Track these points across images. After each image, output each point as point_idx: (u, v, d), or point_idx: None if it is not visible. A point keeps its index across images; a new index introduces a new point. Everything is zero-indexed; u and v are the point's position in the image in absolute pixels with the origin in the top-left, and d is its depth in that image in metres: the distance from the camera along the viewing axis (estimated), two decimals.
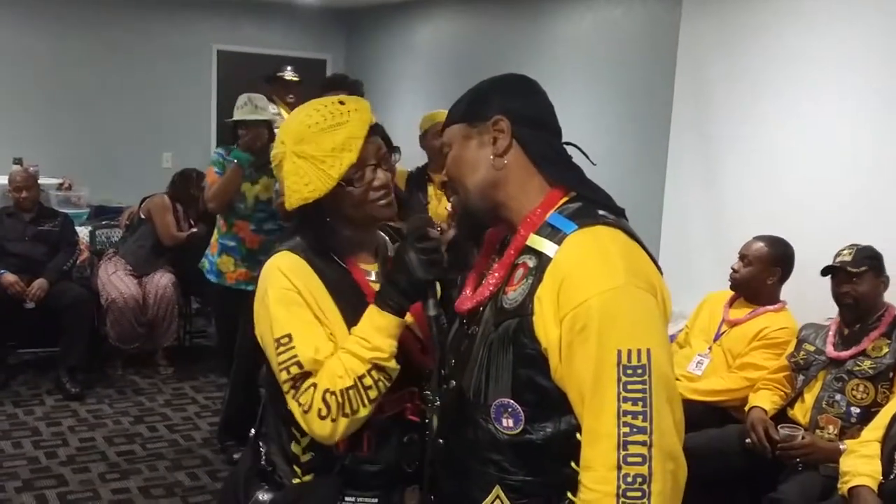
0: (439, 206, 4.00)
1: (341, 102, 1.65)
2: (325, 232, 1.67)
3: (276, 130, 4.08)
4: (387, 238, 1.80)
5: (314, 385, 1.54)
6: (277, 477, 1.69)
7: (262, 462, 1.72)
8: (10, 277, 5.13)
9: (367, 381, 1.54)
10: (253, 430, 1.81)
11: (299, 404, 1.55)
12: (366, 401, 1.54)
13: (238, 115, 4.04)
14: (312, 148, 1.61)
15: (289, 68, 5.16)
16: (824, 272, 3.23)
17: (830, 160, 3.79)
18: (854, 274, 3.14)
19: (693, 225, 4.49)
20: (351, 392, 1.53)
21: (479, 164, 1.51)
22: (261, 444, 1.76)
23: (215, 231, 4.16)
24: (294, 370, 1.54)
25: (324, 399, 1.52)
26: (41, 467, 4.16)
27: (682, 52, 4.55)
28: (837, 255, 3.22)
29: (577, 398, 1.36)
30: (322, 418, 1.52)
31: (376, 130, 1.68)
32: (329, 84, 4.06)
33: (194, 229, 5.71)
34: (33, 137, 7.27)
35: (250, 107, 4.02)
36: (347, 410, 1.52)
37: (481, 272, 1.59)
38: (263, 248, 3.94)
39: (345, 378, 1.53)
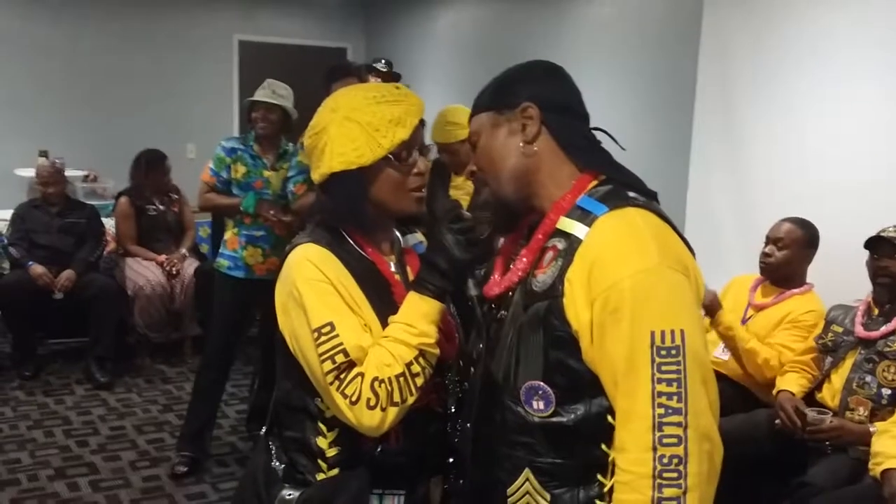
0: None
1: (397, 87, 1.67)
2: (356, 206, 1.63)
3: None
4: (398, 234, 1.79)
5: (361, 375, 1.49)
6: (298, 474, 1.65)
7: (274, 461, 1.70)
8: (38, 269, 5.19)
9: (416, 368, 1.51)
10: (264, 429, 1.78)
11: (345, 396, 1.49)
12: (413, 389, 1.50)
13: (255, 96, 4.05)
14: (368, 116, 1.59)
15: (382, 60, 5.13)
16: (867, 244, 3.19)
17: (857, 142, 3.74)
18: None
19: (718, 209, 4.46)
20: (401, 380, 1.49)
21: (509, 152, 1.51)
22: (271, 442, 1.73)
23: (230, 227, 4.10)
24: (340, 358, 1.49)
25: (372, 388, 1.48)
26: (73, 455, 4.22)
27: (705, 35, 4.51)
28: (882, 231, 3.17)
29: (610, 380, 1.36)
30: (371, 408, 1.48)
31: (423, 125, 1.69)
32: (336, 73, 4.04)
33: (183, 249, 5.79)
34: (58, 130, 7.36)
35: (268, 90, 4.03)
36: (397, 399, 1.49)
37: (508, 257, 1.59)
38: (291, 236, 3.94)
39: (394, 366, 1.49)
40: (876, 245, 3.16)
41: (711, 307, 3.36)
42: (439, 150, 3.96)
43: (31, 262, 5.22)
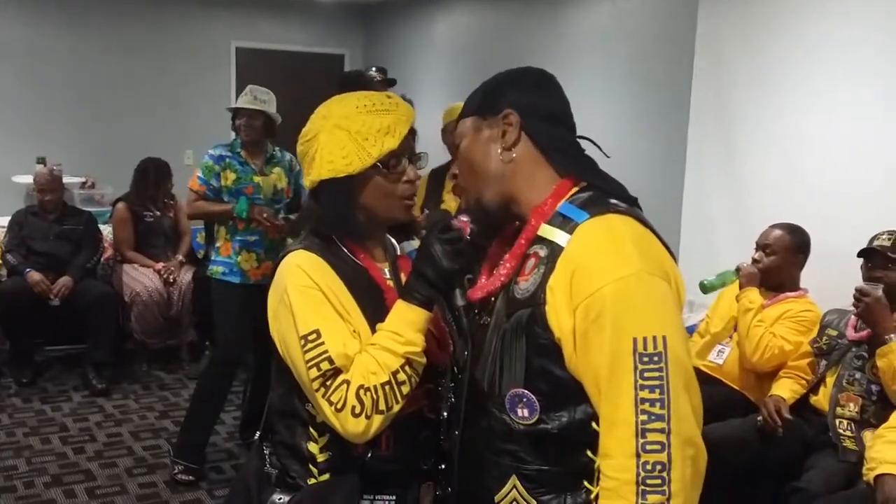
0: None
1: (389, 96, 1.68)
2: (344, 213, 1.65)
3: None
4: (394, 240, 1.80)
5: (346, 382, 1.50)
6: (290, 479, 1.66)
7: (268, 466, 1.71)
8: (35, 276, 5.20)
9: (401, 376, 1.52)
10: (258, 434, 1.80)
11: (330, 402, 1.51)
12: (399, 397, 1.52)
13: (237, 103, 4.08)
14: (358, 125, 1.61)
15: (374, 69, 5.14)
16: (861, 254, 3.19)
17: (852, 147, 3.75)
18: (892, 259, 3.10)
19: (714, 214, 4.47)
20: (386, 388, 1.50)
21: (489, 158, 1.52)
22: (265, 447, 1.74)
23: (222, 234, 4.10)
24: (325, 366, 1.51)
25: (357, 396, 1.49)
26: (69, 462, 4.22)
27: (700, 41, 4.52)
28: (875, 238, 3.17)
29: (593, 387, 1.36)
30: (356, 416, 1.49)
31: (413, 133, 1.70)
32: (347, 82, 4.05)
33: (179, 256, 5.80)
34: (55, 136, 7.38)
35: (250, 97, 4.06)
36: (382, 407, 1.50)
37: (494, 262, 1.59)
38: (284, 240, 3.97)
39: (379, 374, 1.51)
40: (868, 255, 3.17)
41: (749, 280, 3.46)
42: (446, 133, 4.02)
43: (28, 269, 5.22)
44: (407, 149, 1.66)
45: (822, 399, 3.24)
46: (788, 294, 3.52)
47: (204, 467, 4.11)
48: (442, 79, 7.40)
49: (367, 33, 8.77)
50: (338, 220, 1.65)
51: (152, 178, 5.74)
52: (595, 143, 1.57)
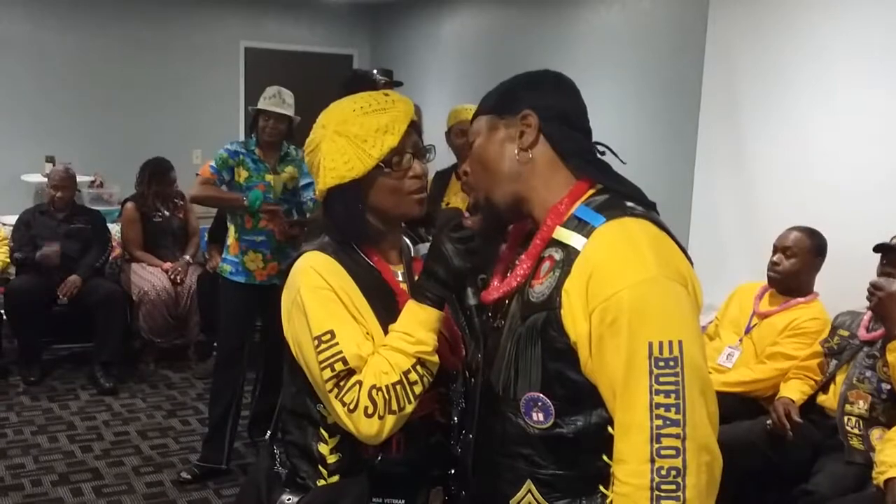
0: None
1: (386, 94, 1.67)
2: (356, 219, 1.64)
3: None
4: (409, 241, 1.79)
5: (359, 383, 1.50)
6: (300, 479, 1.66)
7: (278, 466, 1.71)
8: (47, 249, 5.23)
9: (413, 376, 1.51)
10: (268, 434, 1.80)
11: (343, 403, 1.50)
12: (411, 397, 1.51)
13: (264, 104, 4.07)
14: (356, 128, 1.61)
15: (374, 71, 5.15)
16: (877, 249, 3.18)
17: (862, 148, 3.73)
18: None
19: (723, 216, 4.46)
20: (398, 388, 1.49)
21: (504, 156, 1.51)
22: (275, 447, 1.74)
23: (232, 232, 4.12)
24: (339, 367, 1.51)
25: (370, 396, 1.49)
26: (77, 461, 4.23)
27: (710, 43, 4.51)
28: (894, 237, 3.16)
29: (609, 392, 1.35)
30: (369, 416, 1.49)
31: (415, 127, 1.68)
32: (352, 82, 4.05)
33: (187, 256, 5.80)
34: (64, 135, 7.39)
35: (278, 99, 4.06)
36: (394, 407, 1.49)
37: (507, 264, 1.58)
38: (292, 241, 3.98)
39: (390, 374, 1.50)
40: (885, 252, 3.16)
41: None
42: (450, 135, 4.02)
43: (39, 253, 5.24)
44: (409, 144, 1.65)
45: (831, 398, 3.24)
46: (799, 300, 3.50)
47: (219, 464, 4.10)
48: (450, 79, 7.39)
49: (376, 34, 8.77)
50: (348, 225, 1.65)
51: (147, 179, 5.75)
52: (611, 150, 1.56)
